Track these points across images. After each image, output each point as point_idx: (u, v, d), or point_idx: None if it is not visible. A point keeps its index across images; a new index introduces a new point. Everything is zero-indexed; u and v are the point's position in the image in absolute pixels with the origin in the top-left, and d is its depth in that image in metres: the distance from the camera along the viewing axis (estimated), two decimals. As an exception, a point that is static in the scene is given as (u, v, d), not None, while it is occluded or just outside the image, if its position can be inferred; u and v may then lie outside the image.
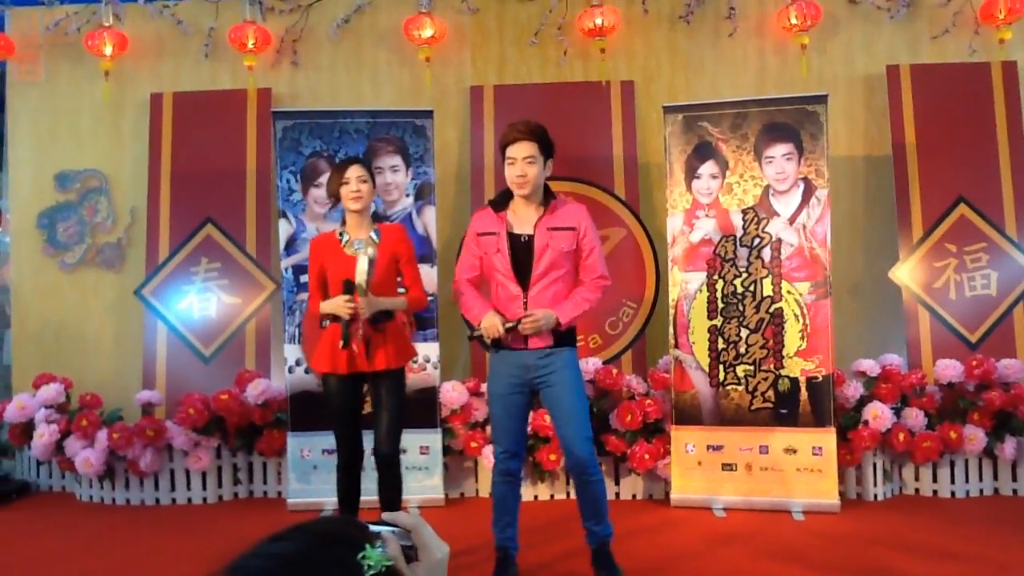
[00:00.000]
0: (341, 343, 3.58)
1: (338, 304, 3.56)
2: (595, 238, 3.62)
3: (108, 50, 5.53)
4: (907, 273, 5.16)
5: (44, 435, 5.01)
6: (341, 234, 3.76)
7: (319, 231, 5.00)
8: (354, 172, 3.68)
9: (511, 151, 3.52)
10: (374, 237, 3.74)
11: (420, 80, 5.60)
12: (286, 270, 5.01)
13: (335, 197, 3.77)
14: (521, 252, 3.52)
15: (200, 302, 5.39)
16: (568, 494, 4.93)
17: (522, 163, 3.49)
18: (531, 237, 3.52)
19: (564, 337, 3.54)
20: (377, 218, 4.67)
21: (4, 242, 6.05)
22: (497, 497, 3.67)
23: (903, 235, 5.19)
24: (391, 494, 3.74)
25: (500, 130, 5.37)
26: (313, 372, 4.76)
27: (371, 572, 0.93)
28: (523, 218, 3.56)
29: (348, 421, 3.75)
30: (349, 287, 3.54)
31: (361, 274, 3.48)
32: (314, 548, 0.94)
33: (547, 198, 3.59)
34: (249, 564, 0.92)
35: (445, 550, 1.07)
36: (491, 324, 3.46)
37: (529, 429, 4.63)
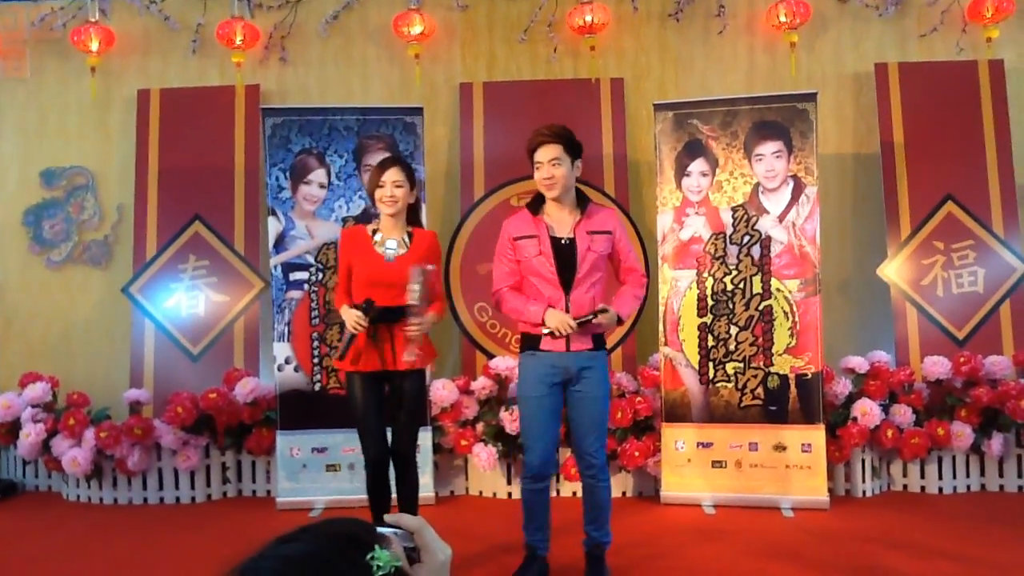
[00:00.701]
0: (338, 355, 3.60)
1: (350, 317, 3.56)
2: (628, 240, 3.70)
3: (95, 46, 5.48)
4: (895, 270, 5.18)
5: (30, 434, 4.98)
6: (374, 232, 3.73)
7: (308, 229, 5.00)
8: (390, 176, 3.65)
9: (537, 155, 3.53)
10: (406, 240, 3.71)
11: (410, 77, 5.58)
12: (275, 268, 4.98)
13: (371, 197, 3.75)
14: (563, 255, 3.51)
15: (188, 300, 5.36)
16: (558, 491, 4.93)
17: (548, 166, 3.50)
18: (572, 240, 3.52)
19: (600, 341, 3.57)
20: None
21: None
22: (529, 506, 3.62)
23: (891, 233, 5.22)
24: (409, 492, 3.75)
25: (490, 127, 5.43)
26: (336, 372, 4.78)
27: (380, 573, 0.93)
28: (560, 221, 3.56)
29: (376, 419, 3.70)
30: (368, 306, 3.55)
31: (413, 295, 3.47)
32: (324, 549, 0.94)
33: (581, 201, 3.60)
34: (259, 566, 0.91)
35: (448, 552, 1.07)
36: (561, 320, 3.40)
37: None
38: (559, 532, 4.16)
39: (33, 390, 5.13)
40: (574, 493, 4.72)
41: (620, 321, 3.55)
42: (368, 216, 4.82)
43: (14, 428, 5.12)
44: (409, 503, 3.77)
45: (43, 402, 5.14)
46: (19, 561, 4.10)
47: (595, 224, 3.56)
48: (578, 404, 3.54)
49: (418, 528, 1.05)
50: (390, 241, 3.68)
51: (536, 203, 3.61)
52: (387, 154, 5.00)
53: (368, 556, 0.94)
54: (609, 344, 5.16)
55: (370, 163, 4.93)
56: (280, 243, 5.00)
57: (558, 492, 4.94)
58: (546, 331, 3.44)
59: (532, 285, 3.54)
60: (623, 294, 3.60)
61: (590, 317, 3.43)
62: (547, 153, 3.50)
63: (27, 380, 5.22)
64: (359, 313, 3.53)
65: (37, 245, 5.70)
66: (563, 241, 3.53)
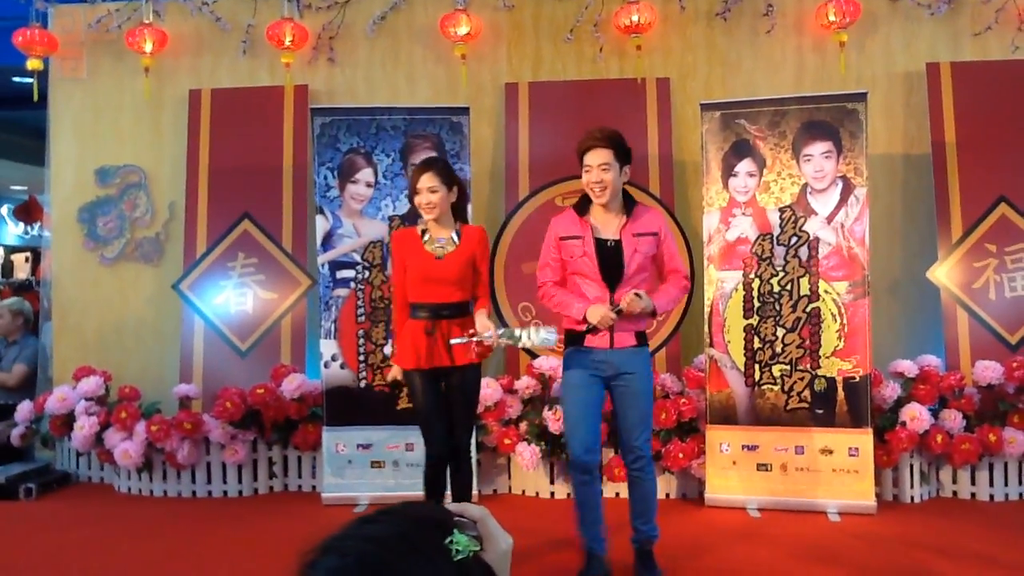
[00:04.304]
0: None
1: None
2: (674, 241, 3.71)
3: (148, 47, 5.59)
4: (946, 273, 5.09)
5: (84, 427, 5.09)
6: (423, 231, 3.82)
7: (355, 227, 5.05)
8: (424, 183, 3.71)
9: (587, 158, 3.56)
10: (455, 238, 3.78)
11: (456, 77, 5.61)
12: (323, 266, 5.04)
13: (411, 203, 3.91)
14: (608, 256, 3.55)
15: (236, 297, 5.45)
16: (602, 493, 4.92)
17: (597, 170, 3.53)
18: (618, 242, 3.57)
19: (643, 339, 3.61)
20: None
21: (46, 236, 6.15)
22: (579, 499, 3.67)
23: (942, 235, 5.13)
24: (463, 485, 3.83)
25: (535, 127, 5.44)
26: (380, 370, 4.87)
27: (459, 556, 0.94)
28: (605, 223, 3.61)
29: (437, 416, 3.77)
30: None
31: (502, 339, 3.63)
32: (406, 531, 0.95)
33: (627, 203, 3.63)
34: (342, 545, 0.93)
35: (510, 541, 1.07)
36: (604, 314, 3.45)
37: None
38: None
39: (87, 384, 5.25)
40: (617, 494, 4.72)
41: (654, 313, 3.55)
42: (415, 216, 4.85)
43: (68, 420, 5.24)
44: (463, 496, 3.85)
45: (96, 395, 5.26)
46: (72, 549, 4.20)
47: (641, 226, 3.59)
48: (623, 399, 3.59)
49: (481, 517, 1.06)
50: (439, 239, 3.77)
51: (583, 204, 3.65)
52: (432, 153, 5.04)
53: (447, 540, 0.95)
54: (655, 344, 5.18)
55: (416, 162, 4.97)
56: (327, 241, 5.06)
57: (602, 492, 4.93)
58: (588, 328, 3.51)
59: (577, 284, 3.61)
60: (663, 290, 3.62)
61: (620, 307, 3.48)
62: (597, 157, 3.53)
63: (81, 374, 5.34)
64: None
65: (91, 241, 5.83)
66: (608, 243, 3.57)
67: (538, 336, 3.53)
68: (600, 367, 3.56)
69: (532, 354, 5.21)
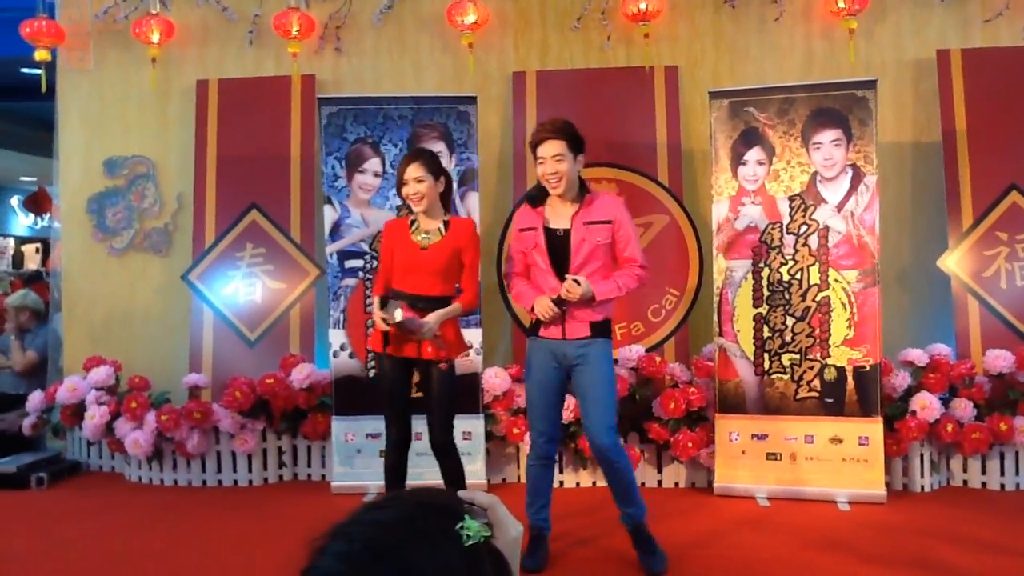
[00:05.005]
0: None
1: (376, 317, 3.74)
2: (631, 229, 3.67)
3: (155, 37, 5.59)
4: (956, 262, 5.06)
5: (95, 416, 5.11)
6: (413, 221, 3.83)
7: (363, 217, 5.05)
8: (410, 173, 3.72)
9: (540, 151, 3.59)
10: (441, 229, 3.78)
11: (463, 66, 5.59)
12: (331, 255, 5.05)
13: (399, 195, 3.89)
14: (558, 246, 3.59)
15: (245, 287, 5.46)
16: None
17: (551, 162, 3.56)
18: (567, 231, 3.59)
19: (599, 329, 3.60)
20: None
21: (55, 227, 6.16)
22: (532, 480, 3.75)
23: (952, 223, 5.10)
24: (454, 480, 3.82)
25: (543, 116, 5.39)
26: (369, 352, 4.84)
27: (469, 543, 0.94)
28: (559, 212, 3.64)
29: (398, 402, 3.81)
30: (384, 302, 3.69)
31: (396, 320, 3.57)
32: (416, 516, 0.95)
33: (582, 192, 3.65)
34: (351, 530, 0.93)
35: (519, 528, 1.08)
36: (543, 305, 3.54)
37: (572, 416, 4.66)
38: (609, 519, 4.17)
39: (97, 374, 5.27)
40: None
41: (593, 299, 3.51)
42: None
43: (79, 410, 5.27)
44: (458, 489, 3.82)
45: (106, 385, 5.28)
46: (83, 538, 4.22)
47: (593, 214, 3.60)
48: (579, 389, 3.64)
49: (491, 505, 1.06)
50: (426, 229, 3.78)
51: (537, 195, 3.69)
52: (440, 143, 5.04)
53: (458, 525, 0.95)
54: (664, 334, 5.18)
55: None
56: (335, 231, 5.06)
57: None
58: (533, 323, 3.62)
59: (536, 274, 3.68)
60: (610, 279, 3.60)
61: (561, 294, 3.51)
62: (551, 149, 3.55)
63: (91, 364, 5.36)
64: (381, 315, 3.66)
65: (100, 232, 5.84)
66: (558, 232, 3.60)
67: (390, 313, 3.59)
68: (554, 357, 3.61)
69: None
